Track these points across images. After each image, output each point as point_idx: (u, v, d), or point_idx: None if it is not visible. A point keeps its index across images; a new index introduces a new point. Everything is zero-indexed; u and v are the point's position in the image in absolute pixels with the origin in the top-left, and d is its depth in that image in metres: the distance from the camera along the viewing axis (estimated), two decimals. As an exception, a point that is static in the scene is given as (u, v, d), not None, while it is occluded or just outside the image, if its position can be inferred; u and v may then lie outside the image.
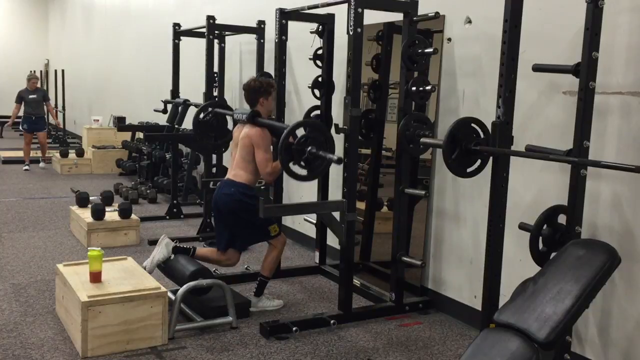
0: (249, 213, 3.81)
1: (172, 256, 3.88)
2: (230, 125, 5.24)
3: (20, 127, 10.05)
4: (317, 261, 4.92)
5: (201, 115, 5.23)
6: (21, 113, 10.03)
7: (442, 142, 2.78)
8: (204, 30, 5.94)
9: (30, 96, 9.81)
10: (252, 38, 6.17)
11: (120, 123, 8.54)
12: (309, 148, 3.36)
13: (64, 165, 9.78)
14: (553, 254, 2.80)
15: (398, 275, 3.98)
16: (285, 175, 4.83)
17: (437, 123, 4.06)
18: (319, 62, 4.79)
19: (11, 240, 5.58)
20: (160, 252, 3.89)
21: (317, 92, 4.74)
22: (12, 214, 6.67)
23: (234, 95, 7.02)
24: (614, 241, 2.82)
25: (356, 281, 4.29)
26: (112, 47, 12.49)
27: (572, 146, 2.80)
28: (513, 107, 2.82)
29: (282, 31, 4.52)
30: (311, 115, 4.79)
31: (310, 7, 4.33)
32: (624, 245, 2.88)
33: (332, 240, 4.82)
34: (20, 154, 10.31)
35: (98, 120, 11.48)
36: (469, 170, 2.89)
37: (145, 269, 3.84)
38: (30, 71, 13.04)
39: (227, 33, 6.55)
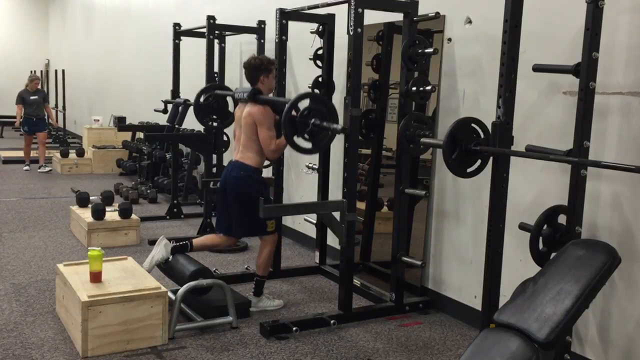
0: (254, 200, 3.66)
1: (171, 257, 3.88)
2: (231, 108, 5.25)
3: (22, 129, 10.01)
4: (317, 261, 4.92)
5: (202, 99, 5.22)
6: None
7: (442, 142, 2.78)
8: (204, 30, 5.95)
9: (32, 97, 9.79)
10: (252, 38, 6.17)
11: (120, 123, 8.56)
12: (313, 120, 3.35)
13: (65, 165, 9.78)
14: (553, 254, 2.80)
15: (398, 275, 3.98)
16: (285, 175, 4.87)
17: (437, 123, 4.06)
18: (319, 62, 4.79)
19: (11, 240, 5.59)
20: (159, 252, 3.87)
21: (317, 92, 4.74)
22: (13, 214, 6.67)
23: (234, 95, 7.02)
24: (614, 241, 2.82)
25: (356, 281, 4.29)
26: (112, 47, 12.50)
27: (572, 146, 2.80)
28: (513, 107, 2.82)
29: (283, 31, 4.52)
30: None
31: (310, 7, 4.33)
32: (624, 245, 2.88)
33: (332, 240, 4.82)
34: (20, 154, 10.31)
35: (98, 120, 11.48)
36: (469, 170, 2.89)
37: (142, 266, 3.84)
38: (32, 72, 13.02)
39: (227, 33, 6.56)
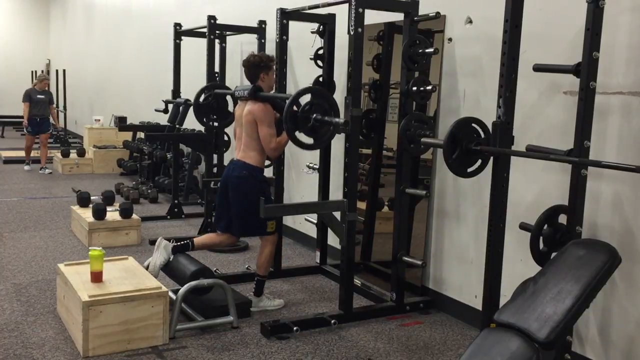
0: (255, 200, 3.64)
1: (172, 257, 3.88)
2: (231, 108, 5.24)
3: (25, 130, 9.97)
4: (318, 261, 4.92)
5: (201, 98, 5.22)
6: None
7: (442, 142, 2.78)
8: (205, 30, 5.95)
9: (38, 96, 9.74)
10: (253, 38, 6.17)
11: (121, 123, 8.56)
12: (314, 115, 3.34)
13: (65, 165, 9.79)
14: (553, 254, 2.80)
15: (399, 275, 3.98)
16: (286, 175, 4.87)
17: (438, 123, 4.06)
18: (319, 62, 4.79)
19: (12, 240, 5.59)
20: (160, 255, 3.86)
21: (318, 90, 4.74)
22: (14, 214, 6.68)
23: (234, 95, 7.02)
24: (614, 241, 2.82)
25: (357, 281, 4.29)
26: (113, 47, 12.50)
27: (573, 146, 2.80)
28: (514, 107, 2.82)
29: (283, 31, 4.53)
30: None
31: (311, 7, 4.33)
32: (624, 245, 2.88)
33: (333, 240, 4.82)
34: (21, 153, 10.30)
35: (99, 120, 11.49)
36: (469, 170, 2.89)
37: (147, 269, 3.84)
38: (42, 71, 12.96)
39: (228, 33, 6.55)
